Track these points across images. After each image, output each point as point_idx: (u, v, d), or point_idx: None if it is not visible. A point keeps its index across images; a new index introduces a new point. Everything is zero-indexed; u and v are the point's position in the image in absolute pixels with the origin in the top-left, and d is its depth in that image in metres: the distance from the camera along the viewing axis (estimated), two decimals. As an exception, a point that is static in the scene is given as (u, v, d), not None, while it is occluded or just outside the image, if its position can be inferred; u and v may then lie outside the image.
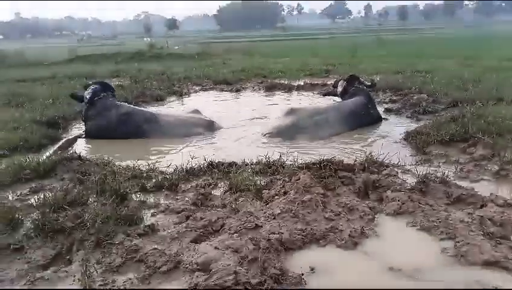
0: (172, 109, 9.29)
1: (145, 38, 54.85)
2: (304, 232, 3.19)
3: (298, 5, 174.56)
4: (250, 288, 2.51)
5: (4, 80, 13.38)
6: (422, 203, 3.60)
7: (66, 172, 4.69)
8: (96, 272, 2.77)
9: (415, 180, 4.06)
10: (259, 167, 4.65)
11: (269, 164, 4.69)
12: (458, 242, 2.97)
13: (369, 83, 7.63)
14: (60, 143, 6.29)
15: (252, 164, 4.81)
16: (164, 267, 2.79)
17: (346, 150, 5.69)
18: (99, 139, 6.54)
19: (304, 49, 25.29)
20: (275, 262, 2.77)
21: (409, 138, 5.79)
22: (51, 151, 5.75)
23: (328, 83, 10.69)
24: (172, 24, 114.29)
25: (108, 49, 27.98)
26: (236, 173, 4.41)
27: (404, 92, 8.99)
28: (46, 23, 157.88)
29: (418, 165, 4.73)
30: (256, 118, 7.88)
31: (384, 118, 7.36)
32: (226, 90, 11.34)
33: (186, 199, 3.91)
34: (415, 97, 8.34)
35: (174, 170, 4.66)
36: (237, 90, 11.22)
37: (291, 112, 6.78)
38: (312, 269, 2.78)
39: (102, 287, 2.63)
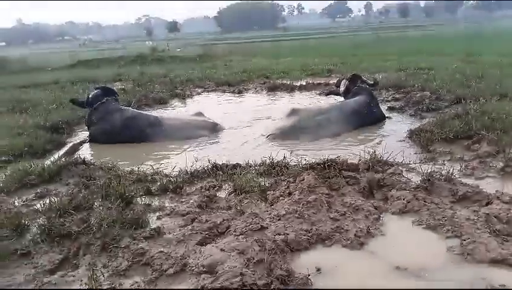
0: (175, 111, 9.31)
1: (147, 42, 54.99)
2: (309, 232, 3.19)
3: (299, 5, 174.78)
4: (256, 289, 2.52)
5: (7, 86, 13.44)
6: (428, 201, 3.59)
7: (71, 177, 4.72)
8: (103, 276, 2.78)
9: (420, 178, 4.04)
10: (264, 168, 4.64)
11: (273, 164, 4.69)
12: (464, 240, 2.96)
13: (372, 82, 7.61)
14: (66, 148, 6.31)
15: (256, 165, 4.82)
16: (170, 270, 2.80)
17: (350, 149, 5.68)
18: (104, 144, 6.55)
19: (306, 49, 25.28)
20: (281, 263, 2.77)
21: (413, 136, 5.77)
22: (56, 156, 5.77)
23: (331, 82, 10.67)
24: (173, 27, 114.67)
25: (110, 53, 28.12)
26: (240, 174, 4.41)
27: (406, 90, 8.95)
28: (47, 29, 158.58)
29: (423, 163, 4.71)
30: (259, 119, 7.87)
31: (387, 117, 7.34)
32: (228, 92, 11.35)
33: (191, 201, 3.91)
34: (417, 95, 8.31)
35: (179, 173, 4.67)
36: (240, 92, 11.23)
37: (294, 112, 6.78)
38: (318, 270, 2.77)
39: (109, 291, 2.64)
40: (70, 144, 6.55)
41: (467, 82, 8.72)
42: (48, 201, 3.86)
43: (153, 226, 3.45)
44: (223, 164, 4.86)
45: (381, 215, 3.51)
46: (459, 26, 51.84)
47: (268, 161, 4.79)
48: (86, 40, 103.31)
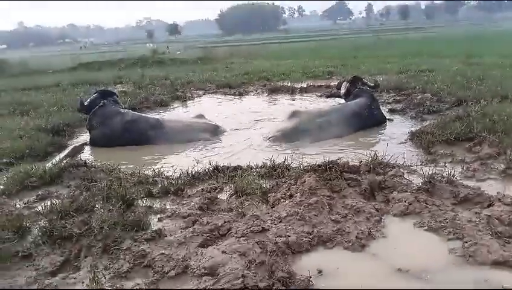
0: (176, 114, 9.32)
1: (147, 44, 55.11)
2: (310, 234, 3.19)
3: (299, 7, 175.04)
4: (258, 292, 2.51)
5: (9, 88, 13.49)
6: (429, 203, 3.58)
7: (72, 179, 4.72)
8: (105, 278, 2.78)
9: (421, 180, 4.04)
10: (265, 170, 4.65)
11: (274, 166, 4.69)
12: (466, 242, 2.96)
13: (373, 84, 7.61)
14: (67, 151, 6.32)
15: (257, 167, 4.82)
16: (172, 272, 2.80)
17: (351, 151, 5.68)
18: (105, 147, 6.55)
19: (306, 51, 25.30)
20: (282, 265, 2.77)
21: (414, 138, 5.77)
22: (57, 158, 5.77)
23: (332, 84, 10.68)
24: (174, 29, 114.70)
25: (111, 56, 28.17)
26: (241, 176, 4.41)
27: (407, 92, 8.97)
28: (48, 32, 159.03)
29: (424, 165, 4.71)
30: (260, 121, 7.88)
31: (388, 119, 7.34)
32: (229, 94, 11.37)
33: (192, 203, 3.91)
34: (418, 97, 8.32)
35: (180, 175, 4.68)
36: (240, 94, 11.24)
37: (295, 114, 6.78)
38: (320, 272, 2.77)
39: (110, 293, 2.64)
40: (72, 147, 6.56)
41: (468, 84, 8.73)
42: (49, 203, 3.87)
43: (154, 228, 3.45)
44: (224, 166, 4.87)
45: (383, 218, 3.50)
46: (459, 28, 51.85)
47: (269, 163, 4.79)
48: (87, 42, 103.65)
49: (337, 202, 3.73)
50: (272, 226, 3.30)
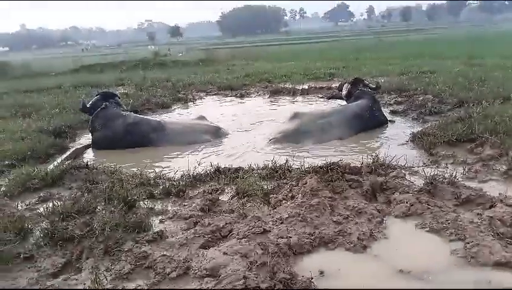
0: (178, 116, 9.33)
1: (149, 46, 55.25)
2: (312, 236, 3.18)
3: (301, 9, 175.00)
4: (259, 293, 2.51)
5: (11, 91, 13.53)
6: (431, 204, 3.58)
7: (73, 181, 4.74)
8: (106, 280, 2.79)
9: (423, 181, 4.04)
10: (266, 172, 4.65)
11: (276, 168, 4.69)
12: (468, 243, 2.95)
13: (374, 86, 7.60)
14: (69, 152, 6.33)
15: (258, 169, 4.82)
16: (173, 273, 2.80)
17: (352, 152, 5.68)
18: (107, 150, 6.56)
19: (308, 53, 25.32)
20: (284, 266, 2.77)
21: (416, 139, 5.76)
22: (59, 160, 5.78)
23: (333, 86, 10.68)
24: (175, 31, 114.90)
25: (112, 58, 28.24)
26: (243, 178, 4.42)
27: (409, 94, 8.96)
28: (51, 34, 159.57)
29: (426, 166, 4.71)
30: (262, 123, 7.89)
31: (390, 120, 7.33)
32: (230, 96, 11.39)
33: (194, 205, 3.92)
34: (420, 98, 8.31)
35: (181, 177, 4.68)
36: (242, 96, 11.26)
37: (296, 116, 6.77)
38: (321, 273, 2.77)
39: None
40: (74, 149, 6.57)
41: (470, 85, 8.71)
42: (51, 205, 3.88)
43: (156, 229, 3.45)
44: (225, 167, 4.87)
45: (384, 219, 3.50)
46: (461, 30, 51.83)
47: (270, 165, 4.79)
48: (88, 45, 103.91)
49: (338, 203, 3.72)
50: (273, 228, 3.30)
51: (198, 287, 2.64)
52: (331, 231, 3.25)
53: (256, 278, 2.61)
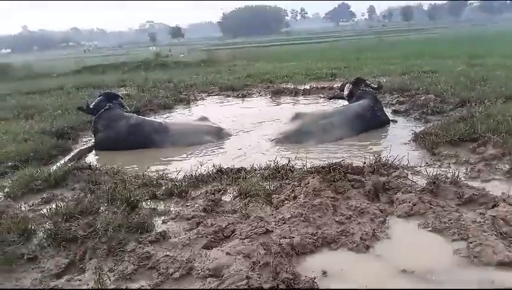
0: (180, 117, 9.34)
1: (150, 47, 55.33)
2: (315, 236, 3.18)
3: (302, 9, 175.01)
4: (262, 293, 2.52)
5: (13, 92, 13.58)
6: (434, 204, 3.57)
7: (76, 182, 4.75)
8: (109, 280, 2.79)
9: (426, 181, 4.03)
10: (268, 172, 4.65)
11: (278, 168, 4.69)
12: (471, 243, 2.95)
13: (376, 85, 7.60)
14: (73, 154, 6.35)
15: (260, 169, 4.82)
16: (176, 273, 2.81)
17: (354, 152, 5.67)
18: (110, 151, 6.58)
19: (309, 53, 25.32)
20: (286, 266, 2.77)
21: (418, 139, 5.75)
22: (63, 161, 5.80)
23: (335, 86, 10.68)
24: (176, 32, 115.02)
25: (114, 59, 28.30)
26: (245, 178, 4.42)
27: (411, 93, 8.95)
28: (52, 36, 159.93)
29: (428, 166, 4.70)
30: (263, 123, 7.89)
31: (392, 120, 7.32)
32: (232, 97, 11.40)
33: (196, 205, 3.92)
34: (422, 98, 8.30)
35: (184, 177, 4.69)
36: (243, 96, 11.27)
37: (298, 116, 6.78)
38: (324, 273, 2.77)
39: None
40: (77, 150, 6.59)
41: (472, 85, 8.70)
42: (54, 206, 3.90)
43: (159, 230, 3.46)
44: (227, 168, 4.87)
45: (387, 219, 3.50)
46: (462, 29, 51.74)
47: (273, 165, 4.79)
48: (90, 46, 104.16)
49: (341, 203, 3.72)
50: (276, 228, 3.30)
51: (201, 288, 2.65)
52: (334, 231, 3.25)
53: (259, 278, 2.62)
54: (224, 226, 3.40)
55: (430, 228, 3.25)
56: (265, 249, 2.93)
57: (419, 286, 2.61)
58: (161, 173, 4.95)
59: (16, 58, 48.94)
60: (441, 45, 23.46)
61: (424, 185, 3.95)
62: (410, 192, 3.82)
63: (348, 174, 4.23)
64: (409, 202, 3.62)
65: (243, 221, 3.50)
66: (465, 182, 4.06)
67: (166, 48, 43.11)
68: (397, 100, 8.80)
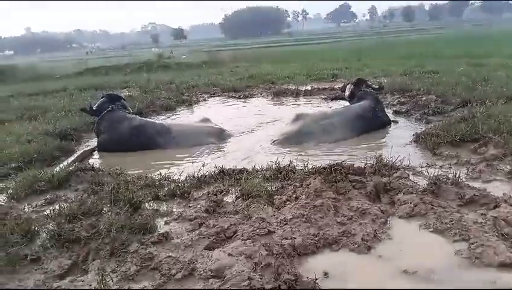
0: (182, 118, 9.37)
1: (153, 49, 55.43)
2: (316, 237, 3.20)
3: (303, 10, 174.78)
4: (264, 293, 2.53)
5: (17, 94, 13.64)
6: (435, 205, 3.58)
7: (79, 183, 4.78)
8: (112, 281, 2.81)
9: (427, 182, 4.04)
10: (270, 173, 4.66)
11: (280, 169, 4.70)
12: (472, 244, 2.95)
13: (377, 86, 7.61)
14: (76, 155, 6.38)
15: (262, 170, 4.83)
16: (179, 274, 2.83)
17: (356, 153, 5.68)
18: (112, 152, 6.61)
19: (310, 54, 25.32)
20: (288, 267, 2.78)
21: (419, 139, 5.76)
22: (66, 162, 5.83)
23: (336, 87, 10.70)
24: (179, 33, 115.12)
25: (117, 61, 28.37)
26: (247, 179, 4.43)
27: (412, 94, 8.95)
28: (55, 37, 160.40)
29: (429, 166, 4.71)
30: (265, 124, 7.91)
31: (393, 121, 7.33)
32: (234, 98, 11.42)
33: (199, 206, 3.94)
34: (423, 98, 8.31)
35: (186, 178, 4.71)
36: (245, 97, 11.29)
37: (299, 117, 6.79)
38: (326, 274, 2.78)
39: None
40: (81, 151, 6.61)
41: (473, 85, 8.69)
42: (57, 207, 3.92)
43: (161, 231, 3.48)
44: (229, 169, 4.89)
45: (388, 219, 3.51)
46: (462, 29, 51.63)
47: (274, 166, 4.81)
48: (93, 48, 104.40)
49: (342, 204, 3.74)
50: (277, 229, 3.32)
51: (203, 288, 2.66)
52: (335, 232, 3.26)
53: (261, 279, 2.63)
54: (226, 227, 3.42)
55: (432, 229, 3.26)
56: (267, 250, 2.94)
57: (420, 286, 2.62)
58: (164, 174, 4.97)
59: (19, 60, 49.12)
60: (442, 45, 23.41)
61: (426, 185, 3.96)
62: (412, 193, 3.82)
63: (350, 175, 4.24)
64: (410, 203, 3.62)
65: (244, 222, 3.51)
66: (466, 182, 4.06)
67: (169, 49, 43.17)
68: (398, 101, 8.80)
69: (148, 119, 7.47)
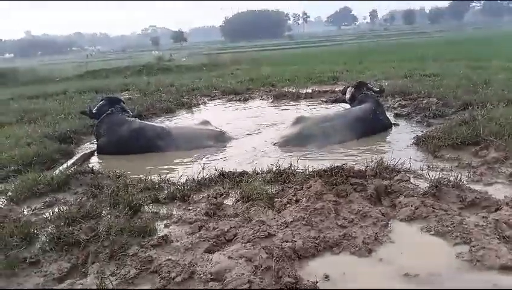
0: (182, 121, 9.36)
1: (153, 52, 55.53)
2: (317, 239, 3.18)
3: (304, 13, 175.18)
4: (264, 297, 2.51)
5: (17, 96, 13.65)
6: (436, 207, 3.56)
7: (79, 186, 4.76)
8: (112, 284, 2.79)
9: (428, 185, 4.02)
10: (270, 176, 4.65)
11: (280, 172, 4.69)
12: (473, 247, 2.94)
13: (378, 89, 7.61)
14: (76, 158, 6.37)
15: (262, 173, 4.82)
16: (178, 277, 2.81)
17: (356, 156, 5.67)
18: (112, 155, 6.59)
19: (311, 57, 25.35)
20: (288, 270, 2.76)
21: (420, 142, 5.75)
22: (65, 165, 5.82)
23: (337, 90, 10.69)
24: (179, 36, 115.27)
25: (117, 64, 28.42)
26: (247, 182, 4.42)
27: (413, 97, 8.93)
28: (55, 40, 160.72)
29: (430, 169, 4.69)
30: (266, 127, 7.90)
31: (394, 123, 7.32)
32: (234, 100, 11.41)
33: (199, 209, 3.93)
34: (424, 101, 8.29)
35: (186, 181, 4.69)
36: (245, 100, 11.28)
37: (300, 120, 6.79)
38: (326, 277, 2.76)
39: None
40: (81, 154, 6.60)
41: (474, 88, 8.69)
42: (56, 210, 3.90)
43: (161, 234, 3.46)
44: (229, 171, 4.88)
45: (389, 222, 3.49)
46: (464, 32, 51.72)
47: (275, 169, 4.79)
48: (93, 51, 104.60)
49: (343, 206, 3.72)
50: (278, 232, 3.30)
51: (203, 292, 2.65)
52: (336, 235, 3.25)
53: (261, 282, 2.62)
54: (226, 230, 3.41)
55: (433, 232, 3.24)
56: (267, 253, 2.93)
57: (421, 289, 2.60)
58: (163, 177, 4.95)
59: (19, 63, 49.23)
60: (443, 48, 23.44)
61: (427, 188, 3.94)
62: (413, 195, 3.81)
63: (350, 178, 4.23)
64: (411, 206, 3.61)
65: (245, 225, 3.50)
66: (467, 185, 4.05)
67: (169, 52, 43.28)
68: (399, 104, 8.79)
69: (148, 122, 7.46)
